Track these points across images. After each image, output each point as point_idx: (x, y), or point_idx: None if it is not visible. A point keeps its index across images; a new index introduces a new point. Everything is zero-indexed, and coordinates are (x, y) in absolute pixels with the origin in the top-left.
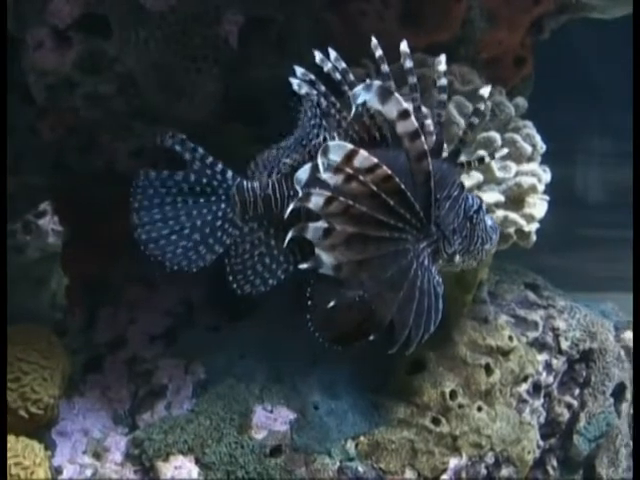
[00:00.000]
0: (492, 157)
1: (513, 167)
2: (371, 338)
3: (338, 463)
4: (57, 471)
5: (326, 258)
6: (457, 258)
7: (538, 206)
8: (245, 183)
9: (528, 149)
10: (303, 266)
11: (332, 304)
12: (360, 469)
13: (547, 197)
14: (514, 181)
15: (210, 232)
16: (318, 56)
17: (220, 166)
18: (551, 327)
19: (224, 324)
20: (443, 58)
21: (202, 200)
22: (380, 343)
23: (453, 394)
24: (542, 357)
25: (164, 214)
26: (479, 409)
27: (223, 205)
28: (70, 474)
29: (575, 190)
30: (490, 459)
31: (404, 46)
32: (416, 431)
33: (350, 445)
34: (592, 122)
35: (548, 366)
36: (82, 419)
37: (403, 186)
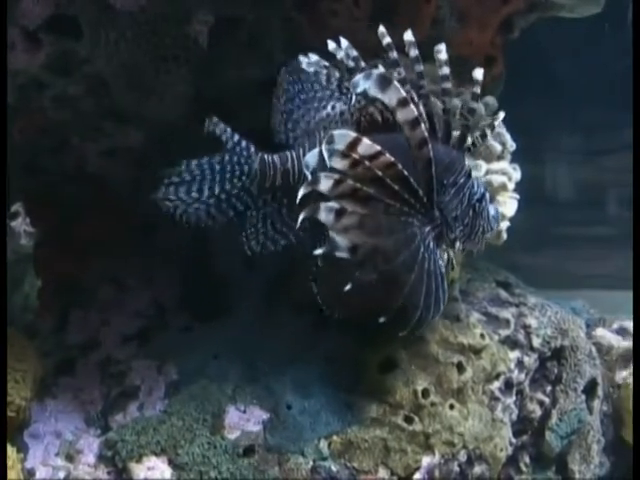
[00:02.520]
0: (492, 128)
1: (483, 166)
2: (381, 320)
3: (311, 462)
4: (29, 473)
5: (341, 241)
6: (457, 244)
7: (508, 204)
8: (267, 157)
9: (498, 148)
10: (318, 251)
11: (348, 287)
12: (333, 468)
13: (517, 195)
14: (484, 179)
15: (226, 199)
16: (331, 45)
17: (244, 142)
18: (523, 325)
19: (197, 325)
20: (443, 47)
21: (228, 172)
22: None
23: (425, 392)
24: (514, 355)
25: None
26: (451, 407)
27: (243, 177)
28: (43, 476)
29: (545, 188)
30: (463, 457)
31: (408, 35)
32: (389, 430)
33: (323, 444)
34: (561, 120)
35: (520, 363)
36: (54, 421)
37: (406, 172)
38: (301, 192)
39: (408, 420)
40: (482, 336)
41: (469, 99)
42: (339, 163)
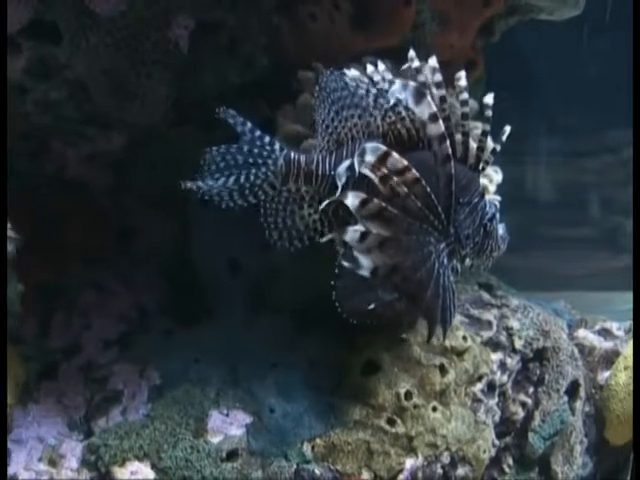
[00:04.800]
0: (500, 143)
1: None
2: (404, 337)
3: (295, 466)
4: (12, 479)
5: (364, 261)
6: (467, 261)
7: None
8: (292, 154)
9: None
10: (345, 264)
11: (372, 307)
12: (317, 471)
13: (498, 197)
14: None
15: (249, 188)
16: (369, 68)
17: (268, 138)
18: (505, 326)
19: (179, 329)
20: (463, 74)
21: (251, 163)
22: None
23: (408, 395)
24: (496, 356)
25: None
26: (434, 409)
27: (265, 170)
28: None
29: (525, 190)
30: (446, 459)
31: (433, 61)
32: (372, 432)
33: (306, 447)
34: (541, 122)
35: (502, 365)
36: (37, 426)
37: (429, 189)
38: (328, 200)
39: (391, 422)
40: (464, 338)
41: (451, 101)
42: (370, 175)
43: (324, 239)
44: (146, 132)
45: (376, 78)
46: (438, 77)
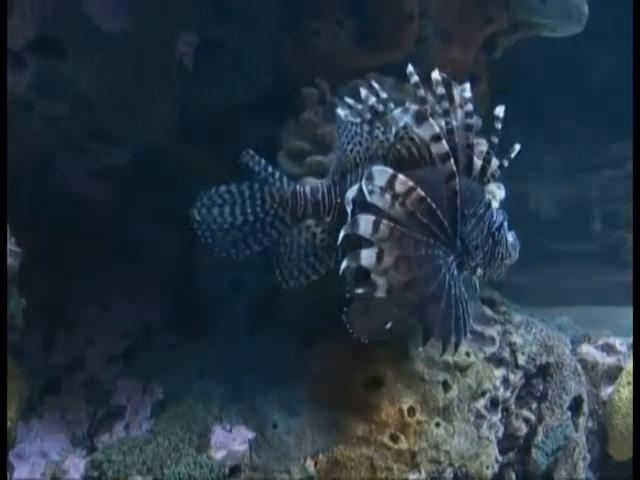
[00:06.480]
0: (509, 160)
1: None
2: (420, 350)
3: None
4: None
5: (381, 282)
6: (479, 271)
7: None
8: (298, 187)
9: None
10: (359, 291)
11: (389, 326)
12: None
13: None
14: None
15: (261, 227)
16: (363, 92)
17: (278, 173)
18: (508, 342)
19: (182, 344)
20: (468, 86)
21: (258, 201)
22: None
23: (411, 411)
24: (499, 372)
25: (224, 214)
26: (437, 425)
27: (275, 205)
28: None
29: (527, 206)
30: (449, 475)
31: (436, 74)
32: (375, 448)
33: (309, 463)
34: (544, 139)
35: (505, 381)
36: (40, 441)
37: (435, 205)
38: (342, 234)
39: (394, 438)
40: (467, 354)
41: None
42: (380, 200)
43: (342, 267)
44: (150, 148)
45: (370, 102)
46: (441, 90)
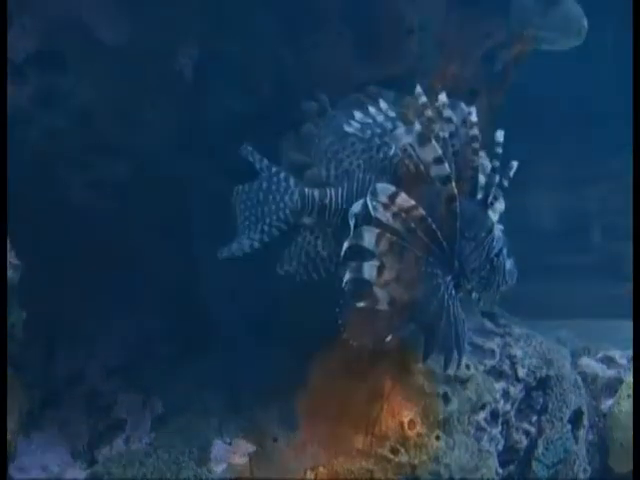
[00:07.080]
0: (508, 179)
1: None
2: (421, 366)
3: None
4: None
5: (382, 295)
6: (474, 294)
7: None
8: (307, 190)
9: (482, 179)
10: (360, 304)
11: (389, 338)
12: None
13: (501, 226)
14: None
15: (268, 225)
16: (371, 109)
17: (283, 174)
18: (508, 355)
19: (182, 357)
20: (474, 110)
21: (269, 201)
22: None
23: (411, 423)
24: (499, 385)
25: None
26: (437, 438)
27: (282, 205)
28: None
29: (528, 218)
30: None
31: (443, 97)
32: (375, 461)
33: (309, 476)
34: (543, 150)
35: (505, 394)
36: (40, 454)
37: (434, 226)
38: (345, 245)
39: (394, 451)
40: (467, 367)
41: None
42: (382, 215)
43: (344, 280)
44: (150, 159)
45: (379, 119)
46: (448, 113)
